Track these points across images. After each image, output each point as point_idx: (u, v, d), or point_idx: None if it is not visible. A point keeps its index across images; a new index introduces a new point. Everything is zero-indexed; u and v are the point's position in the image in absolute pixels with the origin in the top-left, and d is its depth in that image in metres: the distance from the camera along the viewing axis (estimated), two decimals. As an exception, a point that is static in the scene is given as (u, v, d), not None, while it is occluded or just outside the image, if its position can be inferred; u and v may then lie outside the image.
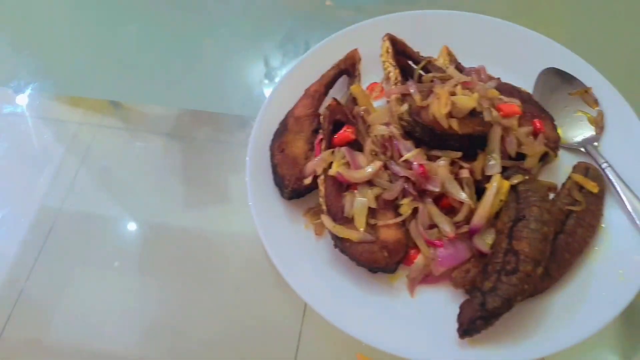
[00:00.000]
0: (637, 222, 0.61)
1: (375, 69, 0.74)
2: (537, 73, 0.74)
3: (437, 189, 0.60)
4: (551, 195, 0.64)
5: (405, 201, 0.61)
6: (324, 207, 0.61)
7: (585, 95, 0.71)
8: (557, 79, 0.73)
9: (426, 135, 0.62)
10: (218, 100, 0.88)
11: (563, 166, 0.68)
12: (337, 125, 0.66)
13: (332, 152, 0.63)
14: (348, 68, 0.74)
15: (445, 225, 0.60)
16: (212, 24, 0.98)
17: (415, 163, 0.61)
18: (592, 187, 0.63)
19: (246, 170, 0.66)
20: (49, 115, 0.88)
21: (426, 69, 0.70)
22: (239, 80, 0.90)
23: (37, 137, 0.85)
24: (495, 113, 0.62)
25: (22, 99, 0.88)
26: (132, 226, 0.76)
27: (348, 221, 0.60)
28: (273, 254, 0.60)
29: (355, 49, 0.74)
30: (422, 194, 0.62)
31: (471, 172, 0.61)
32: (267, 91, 0.86)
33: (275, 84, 0.73)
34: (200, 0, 1.01)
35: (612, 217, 0.63)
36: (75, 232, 0.75)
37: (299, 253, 0.62)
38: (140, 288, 0.71)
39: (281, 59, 0.92)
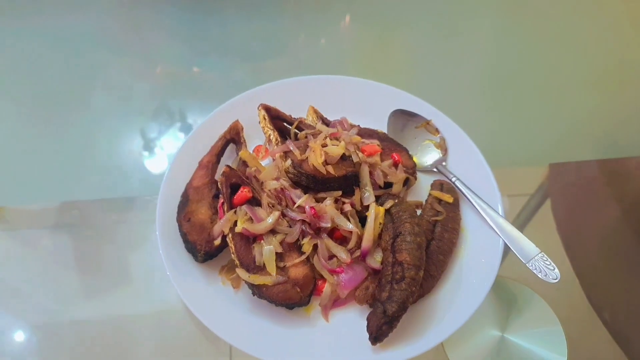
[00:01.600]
0: (487, 219, 0.76)
1: (257, 133, 0.85)
2: (387, 115, 0.89)
3: (329, 225, 0.71)
4: (419, 211, 0.78)
5: (305, 240, 0.71)
6: (237, 262, 0.69)
7: (428, 126, 0.88)
8: (404, 117, 0.89)
9: (310, 182, 0.74)
10: (102, 187, 0.92)
11: (424, 186, 0.83)
12: (234, 188, 0.75)
13: (235, 211, 0.72)
14: (233, 137, 0.84)
15: (342, 254, 0.71)
16: (78, 111, 1.02)
17: (307, 207, 0.72)
18: (448, 198, 0.78)
19: (158, 245, 0.71)
20: None
21: (299, 128, 0.82)
22: (118, 165, 0.95)
23: None
24: (361, 154, 0.76)
25: None
26: (26, 331, 0.74)
27: (260, 269, 0.69)
28: (199, 314, 0.66)
29: (237, 120, 0.85)
30: (317, 231, 0.72)
31: (352, 205, 0.73)
32: (146, 170, 0.94)
33: (170, 161, 0.80)
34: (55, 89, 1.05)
35: (468, 218, 0.79)
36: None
37: (221, 307, 0.69)
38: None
39: (155, 137, 0.99)
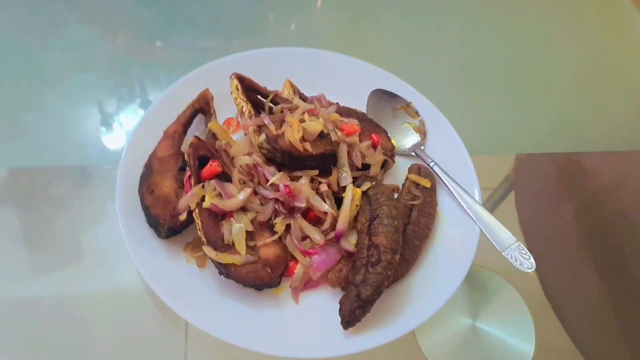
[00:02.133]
0: (464, 205, 0.75)
1: (228, 105, 0.80)
2: (367, 95, 0.86)
3: (303, 205, 0.68)
4: (395, 195, 0.76)
5: (278, 220, 0.67)
6: (204, 239, 0.64)
7: (408, 108, 0.86)
8: (384, 98, 0.86)
9: (286, 159, 0.70)
10: (56, 155, 0.86)
11: (401, 170, 0.80)
12: (202, 161, 0.70)
13: (202, 186, 0.67)
14: (202, 107, 0.78)
15: (316, 235, 0.67)
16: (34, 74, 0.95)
17: (281, 185, 0.68)
18: (425, 183, 0.76)
19: (118, 218, 0.66)
20: None
21: (274, 101, 0.78)
22: (75, 131, 0.89)
23: None
24: (339, 133, 0.72)
25: None
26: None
27: (229, 248, 0.64)
28: (159, 291, 0.61)
29: (207, 89, 0.79)
30: (291, 211, 0.69)
31: (329, 186, 0.70)
32: (105, 139, 0.88)
33: (133, 129, 0.74)
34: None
35: (444, 204, 0.77)
36: None
37: (184, 286, 0.64)
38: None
39: (117, 104, 0.93)
